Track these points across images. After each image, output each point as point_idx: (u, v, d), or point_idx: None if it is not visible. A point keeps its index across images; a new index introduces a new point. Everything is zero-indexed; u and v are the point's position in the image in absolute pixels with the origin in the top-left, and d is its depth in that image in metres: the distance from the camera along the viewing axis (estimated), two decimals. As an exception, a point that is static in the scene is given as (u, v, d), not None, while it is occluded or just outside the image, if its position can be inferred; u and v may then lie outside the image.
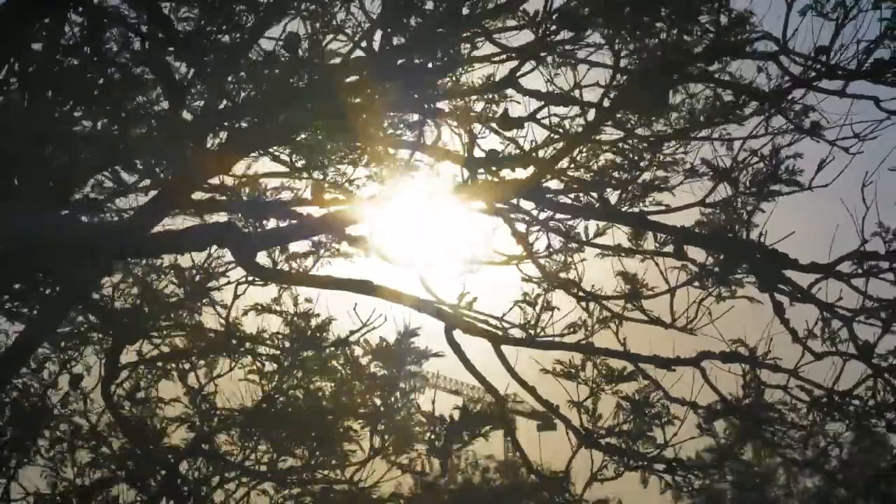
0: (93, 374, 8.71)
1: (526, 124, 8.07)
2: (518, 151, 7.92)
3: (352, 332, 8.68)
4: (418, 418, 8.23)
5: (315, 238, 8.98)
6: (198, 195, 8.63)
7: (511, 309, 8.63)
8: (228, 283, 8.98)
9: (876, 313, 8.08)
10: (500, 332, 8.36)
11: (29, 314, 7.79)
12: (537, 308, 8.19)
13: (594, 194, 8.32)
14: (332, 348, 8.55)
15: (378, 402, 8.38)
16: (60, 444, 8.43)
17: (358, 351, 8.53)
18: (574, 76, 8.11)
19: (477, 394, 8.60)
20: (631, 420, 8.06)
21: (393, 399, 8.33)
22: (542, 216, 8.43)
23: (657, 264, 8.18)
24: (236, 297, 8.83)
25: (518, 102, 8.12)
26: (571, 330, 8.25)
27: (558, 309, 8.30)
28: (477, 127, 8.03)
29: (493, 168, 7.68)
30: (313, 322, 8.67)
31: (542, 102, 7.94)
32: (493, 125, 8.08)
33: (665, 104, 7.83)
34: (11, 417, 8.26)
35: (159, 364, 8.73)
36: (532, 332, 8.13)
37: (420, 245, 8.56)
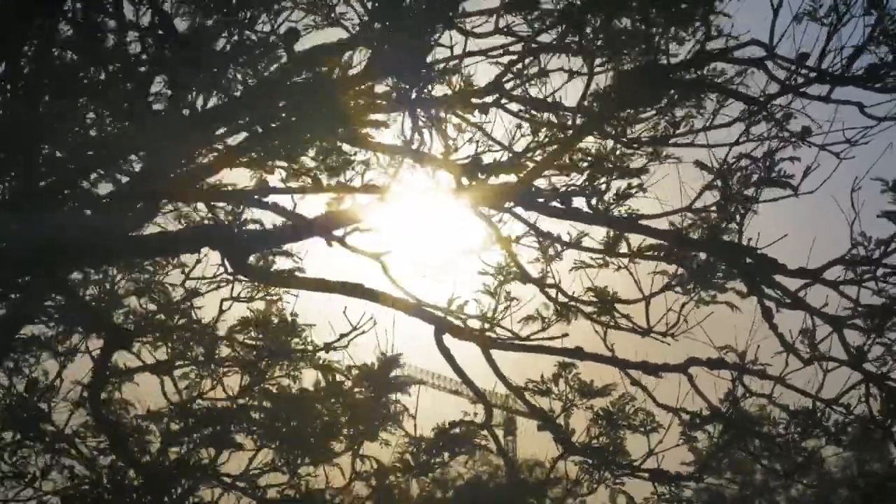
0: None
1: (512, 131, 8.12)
2: (502, 158, 7.94)
3: (341, 336, 8.74)
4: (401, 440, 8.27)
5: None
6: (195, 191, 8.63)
7: (505, 310, 8.68)
8: (217, 288, 9.02)
9: (865, 319, 8.05)
10: (488, 336, 8.43)
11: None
12: (497, 299, 8.23)
13: (582, 198, 8.31)
14: (316, 355, 8.57)
15: (360, 426, 8.37)
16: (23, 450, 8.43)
17: (339, 375, 8.54)
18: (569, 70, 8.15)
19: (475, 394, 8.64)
20: (606, 433, 8.08)
21: (375, 424, 8.32)
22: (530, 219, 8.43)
23: (631, 273, 8.19)
24: (221, 311, 8.87)
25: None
26: (545, 326, 8.28)
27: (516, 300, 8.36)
28: (455, 133, 8.05)
29: (478, 174, 7.71)
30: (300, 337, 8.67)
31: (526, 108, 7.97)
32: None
33: (649, 107, 7.86)
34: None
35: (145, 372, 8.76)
36: (489, 323, 8.19)
37: (408, 247, 8.61)
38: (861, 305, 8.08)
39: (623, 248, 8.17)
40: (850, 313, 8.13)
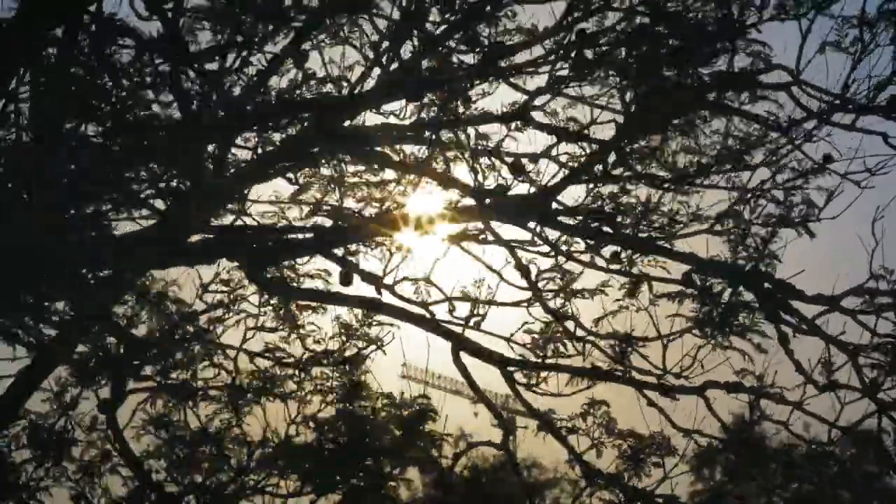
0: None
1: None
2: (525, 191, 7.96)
3: (358, 350, 8.72)
4: None
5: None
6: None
7: (519, 329, 8.69)
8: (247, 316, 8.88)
9: (882, 349, 8.04)
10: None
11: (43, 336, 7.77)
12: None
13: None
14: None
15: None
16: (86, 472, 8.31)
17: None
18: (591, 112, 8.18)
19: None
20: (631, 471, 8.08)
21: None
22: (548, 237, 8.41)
23: (651, 316, 8.17)
24: (244, 341, 8.77)
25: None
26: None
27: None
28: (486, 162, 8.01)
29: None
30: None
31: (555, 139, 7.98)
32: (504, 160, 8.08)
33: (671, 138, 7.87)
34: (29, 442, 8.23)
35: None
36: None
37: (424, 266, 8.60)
38: (878, 335, 8.08)
39: (644, 283, 8.13)
40: (867, 342, 8.13)
